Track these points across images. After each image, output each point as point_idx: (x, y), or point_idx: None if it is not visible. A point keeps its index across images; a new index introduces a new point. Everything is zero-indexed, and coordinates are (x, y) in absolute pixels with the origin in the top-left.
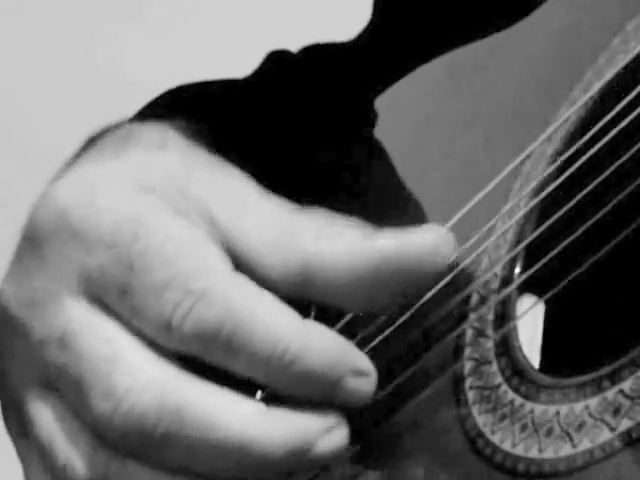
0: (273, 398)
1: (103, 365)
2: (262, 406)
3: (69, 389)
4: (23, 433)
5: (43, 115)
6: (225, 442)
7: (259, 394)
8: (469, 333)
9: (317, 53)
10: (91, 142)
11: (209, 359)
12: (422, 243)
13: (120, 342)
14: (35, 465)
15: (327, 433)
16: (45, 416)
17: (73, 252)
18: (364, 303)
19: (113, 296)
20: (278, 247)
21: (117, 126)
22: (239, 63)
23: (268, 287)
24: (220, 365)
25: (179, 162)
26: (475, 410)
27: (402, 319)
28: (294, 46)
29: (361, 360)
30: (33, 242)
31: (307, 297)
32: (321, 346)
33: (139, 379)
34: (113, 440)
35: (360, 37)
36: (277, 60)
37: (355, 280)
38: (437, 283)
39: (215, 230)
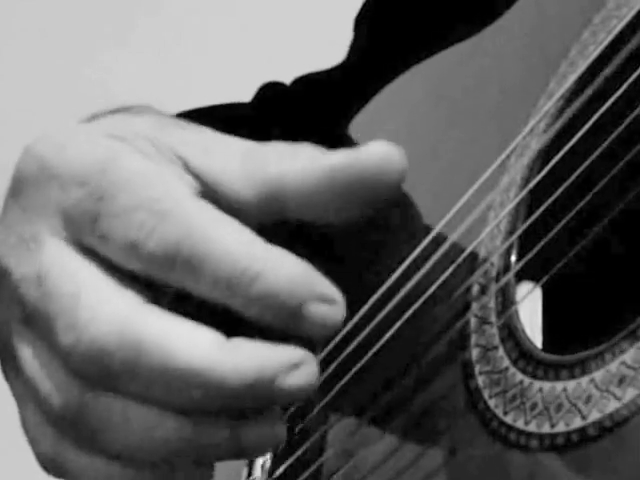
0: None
1: (68, 300)
2: (221, 336)
3: (41, 324)
4: (15, 374)
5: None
6: (183, 371)
7: None
8: (473, 321)
9: (309, 83)
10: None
11: (173, 280)
12: (370, 153)
13: (86, 277)
14: (27, 402)
15: (293, 368)
16: (26, 351)
17: (50, 193)
18: (333, 214)
19: (86, 229)
20: (246, 175)
21: (106, 110)
22: (227, 85)
23: (245, 216)
24: (184, 287)
25: (151, 122)
26: (486, 394)
27: (408, 313)
28: (277, 68)
29: (326, 286)
30: (15, 192)
31: (284, 217)
32: (282, 267)
33: (100, 312)
34: (79, 371)
35: (347, 60)
36: (270, 92)
37: (317, 192)
38: (394, 194)
39: (187, 170)
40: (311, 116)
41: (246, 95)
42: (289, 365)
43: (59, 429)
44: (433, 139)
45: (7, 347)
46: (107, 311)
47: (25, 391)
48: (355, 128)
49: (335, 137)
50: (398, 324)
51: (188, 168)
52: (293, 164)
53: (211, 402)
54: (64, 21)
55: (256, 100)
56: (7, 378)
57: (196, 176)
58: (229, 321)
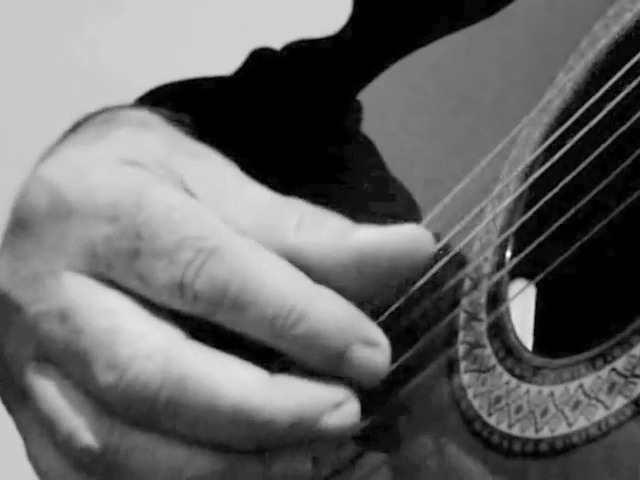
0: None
1: (105, 336)
2: (266, 374)
3: (71, 362)
4: (22, 406)
5: (23, 113)
6: (228, 410)
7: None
8: (462, 317)
9: (299, 50)
10: (74, 128)
11: (218, 318)
12: (400, 238)
13: (122, 312)
14: (36, 436)
15: (336, 407)
16: (45, 388)
17: (72, 229)
18: (348, 294)
19: (120, 266)
20: (259, 236)
21: (99, 112)
22: (222, 59)
23: None
24: (228, 325)
25: (161, 142)
26: (471, 393)
27: (396, 305)
28: (277, 41)
29: (371, 329)
30: (26, 223)
31: None
32: (329, 308)
33: (142, 348)
34: (118, 409)
35: (342, 32)
36: (260, 58)
37: (336, 272)
38: (419, 275)
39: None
40: (310, 84)
41: (238, 62)
42: (333, 404)
43: (81, 468)
44: (435, 127)
45: (16, 382)
46: (148, 347)
47: (34, 425)
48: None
49: (343, 104)
50: (387, 315)
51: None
52: (317, 239)
53: (253, 440)
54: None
55: (246, 69)
56: (11, 411)
57: None
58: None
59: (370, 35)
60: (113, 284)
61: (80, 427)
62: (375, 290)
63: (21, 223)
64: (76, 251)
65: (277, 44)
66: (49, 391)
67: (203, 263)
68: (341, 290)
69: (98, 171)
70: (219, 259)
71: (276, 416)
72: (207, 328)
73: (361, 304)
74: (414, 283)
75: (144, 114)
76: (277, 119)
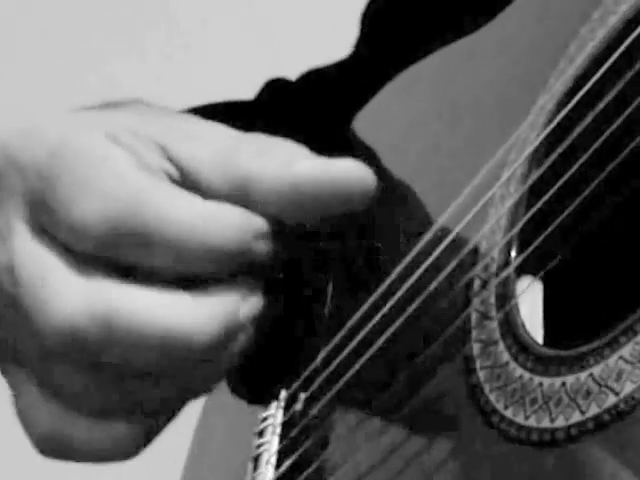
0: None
1: (35, 284)
2: (184, 293)
3: (19, 312)
4: (8, 358)
5: None
6: (157, 334)
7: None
8: (474, 316)
9: (309, 78)
10: None
11: (126, 258)
12: (339, 173)
13: (48, 260)
14: (21, 383)
15: (247, 296)
16: (15, 334)
17: (16, 182)
18: (298, 218)
19: (40, 214)
20: (219, 166)
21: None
22: (239, 93)
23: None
24: (140, 263)
25: (133, 112)
26: (487, 388)
27: (410, 308)
28: (282, 70)
29: (260, 222)
30: None
31: (250, 208)
32: (226, 219)
33: (66, 291)
34: (54, 350)
35: (349, 57)
36: (274, 87)
37: (274, 200)
38: (364, 210)
39: (166, 157)
40: (316, 112)
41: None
42: (243, 299)
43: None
44: (436, 133)
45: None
46: (72, 289)
47: (20, 374)
48: (359, 121)
49: (340, 134)
50: (400, 319)
51: (168, 156)
52: (263, 165)
53: (188, 360)
54: (69, 29)
55: (260, 96)
56: (2, 366)
57: (175, 164)
58: None
59: (376, 56)
60: (45, 231)
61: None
62: (316, 220)
63: None
64: (18, 201)
65: (292, 68)
66: (16, 337)
67: (95, 202)
68: (281, 217)
69: (42, 127)
70: (113, 197)
71: (206, 330)
72: None
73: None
74: (357, 219)
75: (129, 99)
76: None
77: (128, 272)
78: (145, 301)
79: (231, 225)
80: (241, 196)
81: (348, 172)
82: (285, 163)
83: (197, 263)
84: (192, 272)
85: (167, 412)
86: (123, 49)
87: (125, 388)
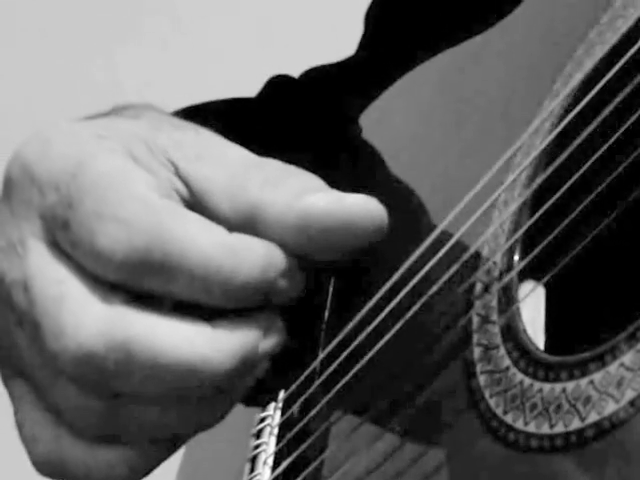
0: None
1: (52, 306)
2: (205, 325)
3: (30, 331)
4: (13, 373)
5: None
6: (176, 365)
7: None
8: (475, 320)
9: (313, 75)
10: None
11: (149, 287)
12: (350, 208)
13: (67, 281)
14: (25, 400)
15: (267, 332)
16: (24, 353)
17: (32, 197)
18: (298, 251)
19: (60, 235)
20: (228, 191)
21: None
22: (237, 81)
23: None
24: (162, 292)
25: (147, 123)
26: (487, 393)
27: (411, 311)
28: (284, 64)
29: (283, 260)
30: (4, 194)
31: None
32: (251, 257)
33: (85, 317)
34: (69, 374)
35: (353, 56)
36: (277, 83)
37: (283, 233)
38: (373, 246)
39: (177, 175)
40: (321, 111)
41: (256, 90)
42: (264, 332)
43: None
44: (441, 136)
45: (6, 347)
46: (92, 314)
47: (26, 395)
48: (363, 121)
49: (344, 134)
50: (401, 322)
51: (178, 173)
52: (274, 197)
53: (203, 387)
54: (74, 17)
55: (264, 93)
56: (5, 379)
57: (185, 182)
58: None
59: (380, 57)
60: (63, 251)
61: (56, 390)
62: (325, 255)
63: (2, 193)
64: (35, 218)
65: (296, 65)
66: (25, 355)
67: (120, 232)
68: (290, 250)
69: (59, 141)
70: (136, 228)
71: (223, 360)
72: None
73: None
74: (366, 253)
75: (141, 107)
76: (291, 134)
77: (148, 297)
78: (165, 331)
79: (256, 261)
80: (248, 225)
81: (358, 207)
82: (295, 195)
83: (219, 296)
84: (213, 304)
85: (173, 441)
86: (124, 37)
87: (134, 415)
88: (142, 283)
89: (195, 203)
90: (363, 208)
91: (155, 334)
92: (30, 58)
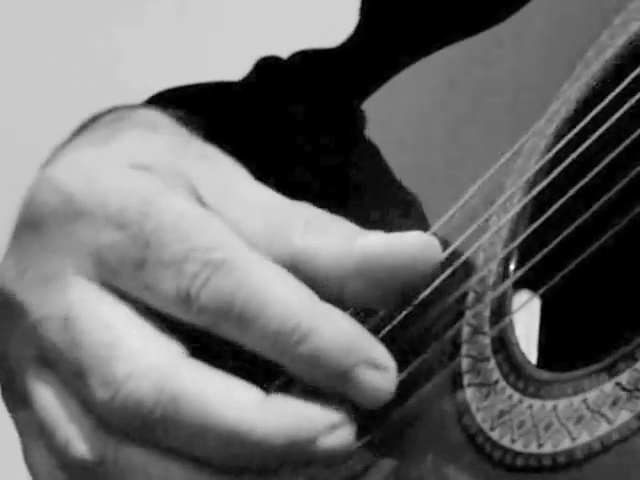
0: (284, 389)
1: (102, 351)
2: (261, 394)
3: (69, 371)
4: (21, 407)
5: (39, 116)
6: (221, 430)
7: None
8: (466, 330)
9: (306, 58)
10: (82, 128)
11: (223, 331)
12: (407, 246)
13: (121, 326)
14: (34, 438)
15: (332, 429)
16: (44, 393)
17: (81, 232)
18: (351, 300)
19: (126, 274)
20: (266, 237)
21: (108, 111)
22: (236, 66)
23: None
24: (232, 338)
25: (170, 144)
26: (474, 407)
27: (401, 316)
28: (287, 50)
29: (379, 352)
30: (35, 226)
31: None
32: (335, 328)
33: (138, 366)
34: (113, 423)
35: (349, 40)
36: (267, 66)
37: (340, 278)
38: (426, 284)
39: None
40: (315, 93)
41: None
42: (329, 427)
43: (71, 475)
44: (445, 134)
45: (16, 382)
46: (145, 365)
47: (33, 427)
48: (367, 107)
49: (347, 113)
50: (388, 328)
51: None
52: (323, 243)
53: (247, 460)
54: (70, 5)
55: (252, 78)
56: (10, 410)
57: None
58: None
59: (377, 44)
60: (118, 292)
61: (75, 437)
62: (380, 298)
63: (29, 224)
64: (83, 255)
65: (288, 51)
66: (47, 397)
67: (210, 275)
68: (345, 296)
69: (107, 174)
70: (226, 272)
71: (269, 437)
72: (210, 341)
73: (366, 311)
74: (419, 292)
75: (154, 114)
76: (285, 124)
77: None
78: (216, 390)
79: (341, 335)
80: (292, 273)
81: (420, 245)
82: (346, 239)
83: (290, 358)
84: (281, 363)
85: None
86: (127, 20)
87: (166, 464)
88: (216, 327)
89: None
90: (424, 245)
91: (207, 394)
92: (29, 43)
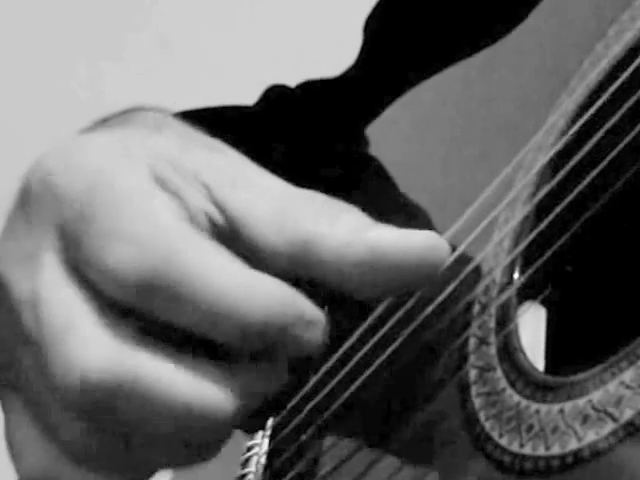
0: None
1: (59, 330)
2: (211, 368)
3: (33, 352)
4: (10, 384)
5: (22, 145)
6: (178, 410)
7: None
8: (472, 341)
9: (312, 88)
10: (90, 127)
11: (155, 312)
12: (416, 243)
13: (77, 307)
14: (21, 415)
15: (272, 379)
16: (28, 371)
17: (49, 209)
18: (354, 291)
19: (73, 250)
20: (276, 223)
21: (116, 113)
22: (219, 97)
23: (266, 262)
24: (167, 319)
25: (174, 140)
26: (482, 416)
27: (408, 329)
28: (273, 80)
29: (307, 307)
30: (21, 204)
31: (302, 274)
32: (264, 295)
33: (92, 349)
34: (69, 404)
35: (350, 70)
36: (276, 93)
37: (346, 268)
38: (432, 285)
39: (211, 200)
40: (324, 124)
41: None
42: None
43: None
44: (444, 149)
45: (7, 358)
46: (100, 345)
47: (20, 410)
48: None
49: (346, 140)
50: (396, 343)
51: (212, 197)
52: (333, 230)
53: (200, 433)
54: (57, 30)
55: (262, 102)
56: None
57: (220, 208)
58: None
59: (379, 72)
60: (77, 270)
61: (56, 414)
62: (383, 292)
63: (18, 202)
64: (51, 230)
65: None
66: (29, 373)
67: (133, 250)
68: (347, 287)
69: (81, 154)
70: (148, 248)
71: (226, 409)
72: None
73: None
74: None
75: (161, 116)
76: (293, 149)
77: (155, 326)
78: (170, 372)
79: (273, 302)
80: (299, 259)
81: (429, 242)
82: (357, 229)
83: (229, 333)
84: (221, 340)
85: (166, 471)
86: (108, 53)
87: (128, 447)
88: (151, 308)
89: (231, 230)
90: (434, 243)
91: (160, 375)
92: (11, 70)
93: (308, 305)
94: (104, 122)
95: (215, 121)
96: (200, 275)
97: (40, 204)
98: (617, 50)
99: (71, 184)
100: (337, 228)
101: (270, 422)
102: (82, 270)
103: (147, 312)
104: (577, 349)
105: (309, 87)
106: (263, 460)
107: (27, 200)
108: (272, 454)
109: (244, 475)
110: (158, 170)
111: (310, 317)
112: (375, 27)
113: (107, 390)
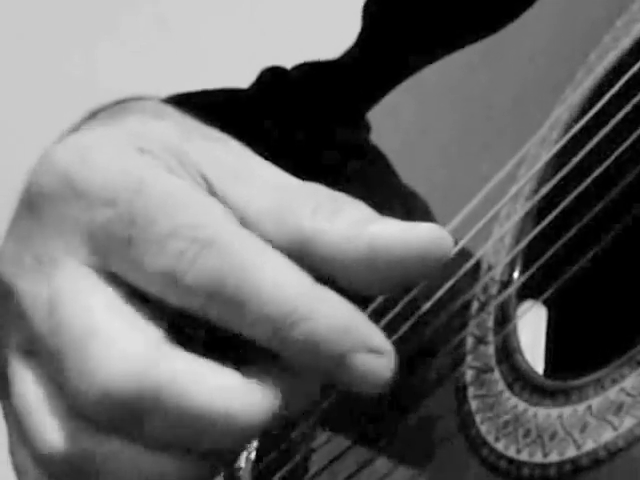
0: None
1: (80, 336)
2: (245, 379)
3: (48, 359)
4: (7, 395)
5: (17, 127)
6: (207, 417)
7: None
8: (469, 341)
9: (310, 69)
10: (88, 117)
11: (212, 314)
12: (418, 237)
13: (102, 310)
14: (14, 429)
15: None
16: (23, 381)
17: (75, 212)
18: (356, 286)
19: (114, 253)
20: (276, 217)
21: (113, 102)
22: (216, 78)
23: None
24: (223, 323)
25: (175, 130)
26: (478, 418)
27: (405, 326)
28: (269, 62)
29: (375, 336)
30: (32, 206)
31: (302, 268)
32: (330, 311)
33: (115, 355)
34: (90, 415)
35: (348, 53)
36: (272, 76)
37: (347, 264)
38: (432, 279)
39: (210, 190)
40: (318, 104)
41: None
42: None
43: (47, 470)
44: (445, 142)
45: (4, 371)
46: (123, 354)
47: (14, 417)
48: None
49: (345, 125)
50: (393, 339)
51: (212, 191)
52: (333, 226)
53: (237, 445)
54: (51, 13)
55: (257, 85)
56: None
57: (222, 202)
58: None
59: (378, 54)
60: (110, 274)
61: (54, 429)
62: (385, 287)
63: (27, 205)
64: (74, 235)
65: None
66: (24, 386)
67: (197, 253)
68: (349, 282)
69: (103, 152)
70: (215, 252)
71: (254, 419)
72: (195, 330)
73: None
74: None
75: (158, 104)
76: (289, 134)
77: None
78: (198, 379)
79: (337, 320)
80: (296, 253)
81: (433, 235)
82: (358, 223)
83: (290, 347)
84: (279, 351)
85: None
86: (104, 34)
87: (148, 456)
88: (205, 310)
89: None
90: (437, 237)
91: (188, 384)
92: (5, 52)
93: (377, 333)
94: (102, 111)
95: (209, 105)
96: (268, 283)
97: (58, 205)
98: (626, 42)
99: (99, 185)
100: (338, 223)
101: None
102: (122, 272)
103: (199, 314)
104: (577, 353)
105: (306, 69)
106: (252, 456)
107: (40, 201)
108: (261, 450)
109: (234, 470)
110: (169, 164)
111: (376, 346)
112: (374, 9)
113: (135, 398)
